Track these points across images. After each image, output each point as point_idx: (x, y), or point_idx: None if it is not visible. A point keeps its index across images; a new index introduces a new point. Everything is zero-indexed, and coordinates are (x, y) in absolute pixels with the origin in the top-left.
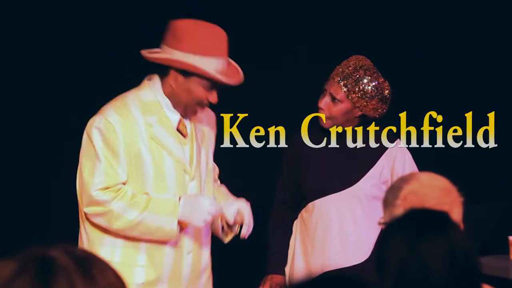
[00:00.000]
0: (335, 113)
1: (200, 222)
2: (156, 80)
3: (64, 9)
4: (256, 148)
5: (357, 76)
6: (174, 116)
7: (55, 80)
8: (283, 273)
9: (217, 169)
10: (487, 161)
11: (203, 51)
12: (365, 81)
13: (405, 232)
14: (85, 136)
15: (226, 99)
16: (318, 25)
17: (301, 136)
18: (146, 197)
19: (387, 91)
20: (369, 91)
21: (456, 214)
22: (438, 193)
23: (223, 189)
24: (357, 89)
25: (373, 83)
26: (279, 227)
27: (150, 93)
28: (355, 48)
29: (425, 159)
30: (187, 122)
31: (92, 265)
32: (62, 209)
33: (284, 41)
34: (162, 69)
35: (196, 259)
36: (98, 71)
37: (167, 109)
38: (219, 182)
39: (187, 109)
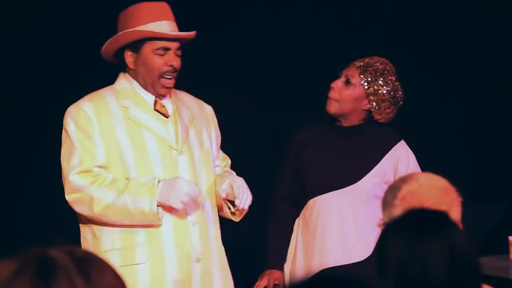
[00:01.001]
0: (345, 97)
1: (177, 203)
2: (126, 71)
3: (60, 9)
4: (256, 148)
5: (377, 67)
6: (150, 98)
7: (56, 80)
8: (281, 268)
9: (228, 161)
10: (487, 161)
11: (141, 21)
12: (383, 74)
13: (405, 232)
14: (63, 128)
15: (226, 98)
16: (318, 25)
17: (304, 133)
18: (126, 181)
19: (399, 94)
20: (384, 84)
21: (455, 214)
22: (437, 193)
23: (227, 173)
24: (373, 78)
25: (390, 77)
26: (278, 224)
27: (124, 81)
28: (355, 48)
29: (425, 159)
30: (167, 104)
31: (91, 266)
32: (62, 209)
33: (284, 41)
34: (120, 58)
35: (203, 229)
36: (94, 72)
37: (142, 92)
38: (230, 171)
39: (154, 86)
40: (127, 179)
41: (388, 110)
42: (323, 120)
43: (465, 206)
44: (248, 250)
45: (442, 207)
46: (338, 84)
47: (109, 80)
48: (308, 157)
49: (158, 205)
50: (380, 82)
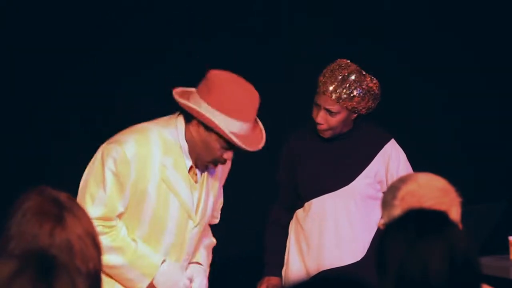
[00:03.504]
0: (333, 124)
1: None
2: (182, 121)
3: (60, 11)
4: (251, 152)
5: (347, 85)
6: (188, 162)
7: (49, 80)
8: (279, 274)
9: (221, 201)
10: (487, 161)
11: (229, 111)
12: (356, 87)
13: (405, 232)
14: (99, 158)
15: None
16: (318, 25)
17: (297, 138)
18: (134, 248)
19: (376, 87)
20: (362, 94)
21: (455, 214)
22: (436, 193)
23: (202, 255)
24: (350, 97)
25: (363, 86)
26: (276, 229)
27: (174, 133)
28: (354, 48)
29: (425, 159)
30: (198, 170)
31: (71, 210)
32: None
33: (285, 41)
34: (188, 115)
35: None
36: (92, 72)
37: (184, 153)
38: (211, 236)
39: (198, 161)
40: (134, 240)
41: (370, 104)
42: (313, 125)
43: (464, 206)
44: (245, 256)
45: (441, 207)
46: (322, 117)
47: (102, 80)
48: (301, 161)
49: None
50: (355, 93)
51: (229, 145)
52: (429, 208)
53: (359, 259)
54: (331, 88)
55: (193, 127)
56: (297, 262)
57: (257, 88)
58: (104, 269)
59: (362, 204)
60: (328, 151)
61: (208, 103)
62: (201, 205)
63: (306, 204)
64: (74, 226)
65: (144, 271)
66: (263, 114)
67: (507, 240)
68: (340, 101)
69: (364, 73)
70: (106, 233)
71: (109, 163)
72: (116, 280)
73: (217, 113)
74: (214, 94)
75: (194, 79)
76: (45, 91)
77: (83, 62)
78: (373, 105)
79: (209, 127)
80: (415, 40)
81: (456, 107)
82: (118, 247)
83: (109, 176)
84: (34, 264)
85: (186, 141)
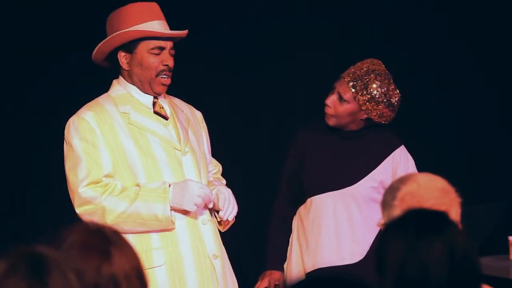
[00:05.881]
0: (340, 112)
1: (191, 206)
2: (117, 78)
3: (61, 9)
4: (256, 148)
5: (367, 79)
6: (148, 100)
7: (50, 80)
8: (281, 269)
9: (220, 167)
10: (487, 161)
11: (133, 22)
12: (374, 85)
13: (405, 232)
14: (65, 140)
15: (226, 98)
16: (318, 25)
17: (306, 132)
18: (136, 188)
19: (395, 99)
20: (377, 96)
21: (454, 214)
22: (436, 193)
23: (216, 182)
24: (365, 92)
25: (382, 89)
26: (280, 223)
27: (119, 88)
28: (355, 48)
29: (425, 159)
30: (165, 105)
31: (117, 245)
32: (60, 209)
33: (284, 41)
34: (113, 63)
35: (213, 227)
36: (94, 72)
37: (139, 96)
38: (221, 178)
39: (151, 85)
40: (137, 185)
41: (386, 115)
42: (325, 120)
43: (464, 206)
44: (248, 250)
45: (441, 207)
46: (332, 100)
47: (104, 80)
48: (308, 156)
49: (171, 209)
50: (373, 93)
51: (156, 47)
52: (429, 209)
53: (357, 260)
54: (351, 75)
55: (122, 63)
56: (297, 259)
57: (265, 81)
58: (126, 225)
59: (365, 206)
60: (337, 149)
61: (113, 32)
62: (181, 134)
63: (308, 200)
64: (121, 262)
65: (157, 199)
66: (270, 110)
67: (507, 240)
68: (354, 90)
69: (391, 80)
70: (104, 192)
71: (73, 134)
72: (139, 233)
73: (128, 29)
74: (112, 24)
75: (192, 74)
76: (45, 91)
77: (84, 62)
78: (386, 114)
79: (129, 48)
80: (415, 40)
81: (456, 107)
82: (122, 196)
83: (76, 144)
84: (25, 262)
85: (130, 83)
